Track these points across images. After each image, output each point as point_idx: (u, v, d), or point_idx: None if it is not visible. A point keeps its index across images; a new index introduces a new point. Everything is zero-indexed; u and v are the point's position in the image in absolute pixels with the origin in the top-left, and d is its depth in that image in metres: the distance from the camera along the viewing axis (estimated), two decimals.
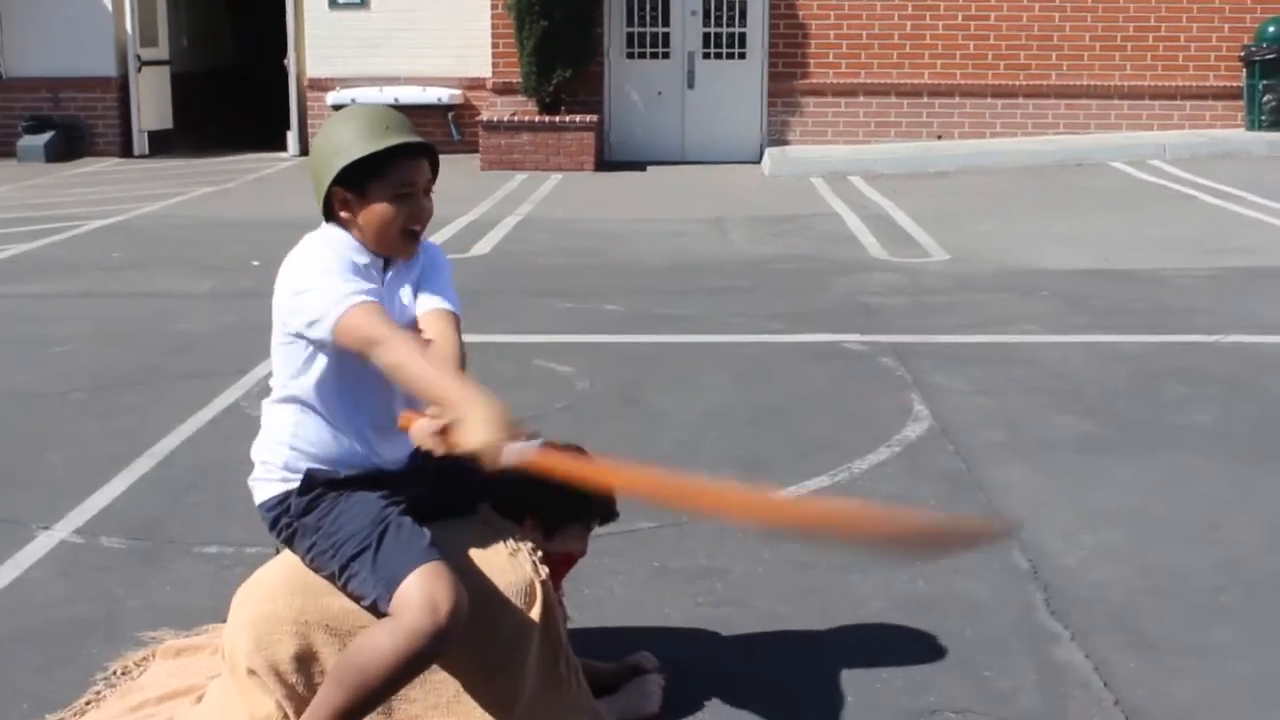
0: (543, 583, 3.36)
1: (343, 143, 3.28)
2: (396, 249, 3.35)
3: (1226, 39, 17.37)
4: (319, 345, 3.24)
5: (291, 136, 19.07)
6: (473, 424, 2.94)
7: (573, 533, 3.51)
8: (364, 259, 3.31)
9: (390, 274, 3.37)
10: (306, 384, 3.30)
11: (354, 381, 3.29)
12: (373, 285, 3.23)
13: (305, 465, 3.32)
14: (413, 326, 3.35)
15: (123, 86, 18.76)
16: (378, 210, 3.29)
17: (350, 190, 3.28)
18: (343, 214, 3.31)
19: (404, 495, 3.34)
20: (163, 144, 19.15)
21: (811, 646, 4.01)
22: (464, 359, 3.29)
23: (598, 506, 3.50)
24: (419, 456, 3.41)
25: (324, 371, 3.29)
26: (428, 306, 3.37)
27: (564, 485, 3.22)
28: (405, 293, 3.39)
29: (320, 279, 3.19)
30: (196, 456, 5.92)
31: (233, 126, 20.19)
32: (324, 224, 3.38)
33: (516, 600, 3.31)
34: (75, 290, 9.68)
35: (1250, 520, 5.04)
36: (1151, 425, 6.18)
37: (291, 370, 3.31)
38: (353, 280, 3.20)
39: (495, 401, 2.96)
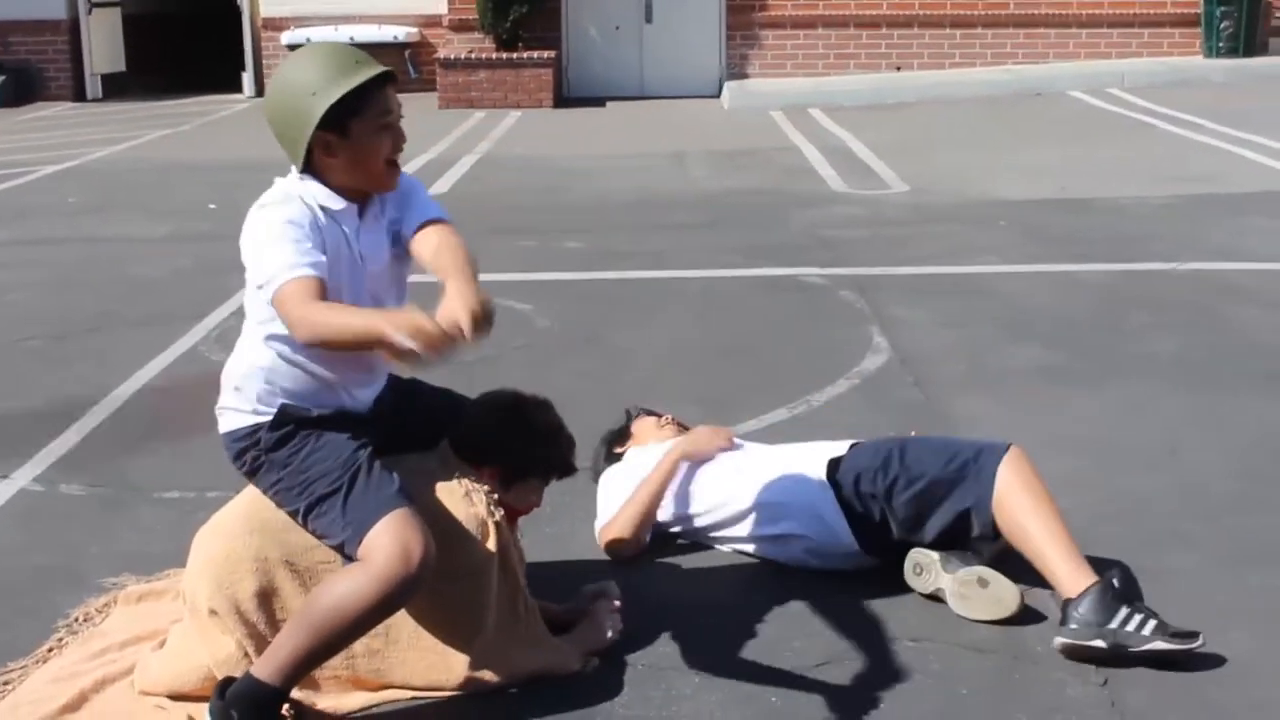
0: (497, 524, 3.36)
1: (316, 84, 3.18)
2: (381, 183, 3.30)
3: None
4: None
5: (246, 77, 18.88)
6: (410, 331, 2.87)
7: (531, 486, 3.52)
8: (338, 205, 3.25)
9: (368, 214, 3.32)
10: (279, 328, 3.23)
11: None
12: (320, 258, 3.13)
13: (279, 401, 3.30)
14: (398, 259, 3.35)
15: (73, 29, 18.50)
16: (363, 146, 3.22)
17: (332, 132, 3.19)
18: (326, 158, 3.22)
19: (370, 434, 3.33)
20: (116, 87, 18.92)
21: (774, 579, 4.02)
22: (475, 259, 3.19)
23: (558, 461, 3.53)
24: (381, 400, 3.43)
25: None
26: (420, 222, 3.32)
27: (527, 437, 3.33)
28: (382, 232, 3.34)
29: (273, 245, 3.11)
30: (155, 402, 5.88)
31: (187, 69, 19.95)
32: (293, 174, 3.29)
33: (473, 539, 3.32)
34: (29, 237, 9.58)
35: (1209, 446, 5.07)
36: (1111, 354, 6.21)
37: (266, 314, 3.24)
38: (304, 251, 3.11)
39: (412, 313, 2.91)
